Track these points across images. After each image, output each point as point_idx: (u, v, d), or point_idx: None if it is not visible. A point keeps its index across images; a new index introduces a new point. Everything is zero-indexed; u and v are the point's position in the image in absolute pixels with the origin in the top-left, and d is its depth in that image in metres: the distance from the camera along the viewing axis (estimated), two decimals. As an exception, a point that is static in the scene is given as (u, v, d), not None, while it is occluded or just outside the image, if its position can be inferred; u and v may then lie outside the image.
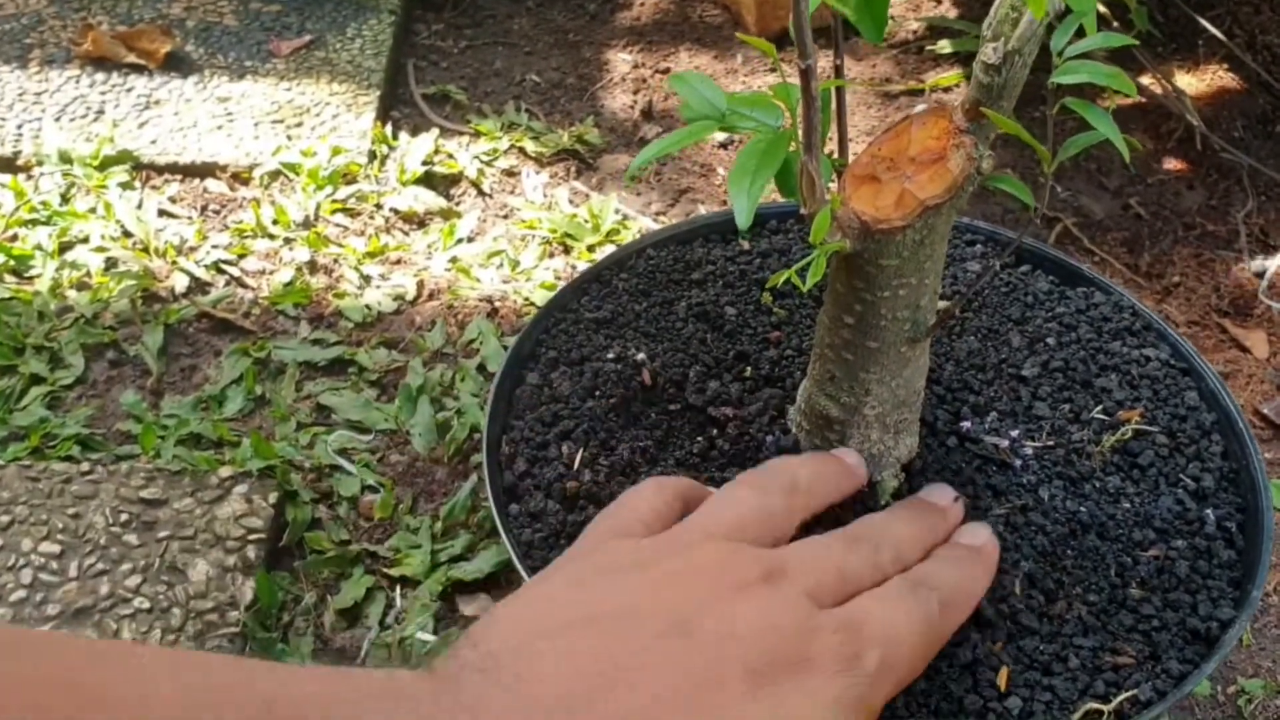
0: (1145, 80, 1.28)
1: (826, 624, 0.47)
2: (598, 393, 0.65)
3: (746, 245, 0.73)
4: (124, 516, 0.85)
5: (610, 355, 0.67)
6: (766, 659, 0.44)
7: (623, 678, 0.42)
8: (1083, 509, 0.59)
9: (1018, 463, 0.61)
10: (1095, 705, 0.52)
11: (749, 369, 0.65)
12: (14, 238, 1.12)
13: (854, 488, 0.57)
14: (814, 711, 0.44)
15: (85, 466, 0.89)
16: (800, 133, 0.48)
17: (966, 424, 0.62)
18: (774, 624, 0.46)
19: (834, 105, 0.54)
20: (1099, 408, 0.64)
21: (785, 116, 0.51)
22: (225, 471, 0.89)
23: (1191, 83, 1.31)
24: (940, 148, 0.50)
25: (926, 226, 0.50)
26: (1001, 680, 0.53)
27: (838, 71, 0.55)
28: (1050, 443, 0.62)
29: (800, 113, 0.48)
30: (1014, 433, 0.62)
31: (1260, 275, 1.08)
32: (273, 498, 0.87)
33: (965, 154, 0.49)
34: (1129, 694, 0.52)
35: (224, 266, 1.11)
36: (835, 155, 0.54)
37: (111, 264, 1.10)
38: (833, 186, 0.52)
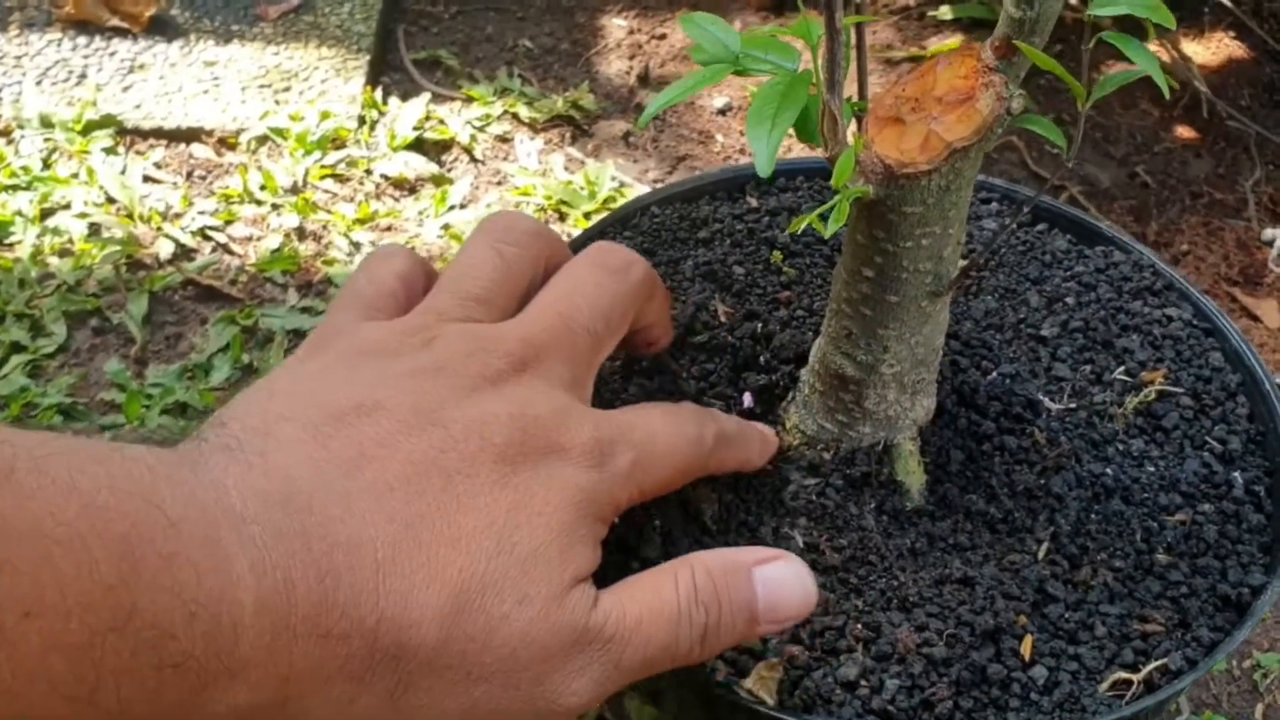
0: (1151, 48, 1.25)
1: (585, 417, 0.46)
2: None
3: (755, 203, 0.71)
4: (107, 486, 0.82)
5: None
6: (517, 446, 0.44)
7: (369, 463, 0.41)
8: (1107, 472, 0.57)
9: (1039, 426, 0.59)
10: (1124, 674, 0.50)
11: (759, 328, 0.62)
12: (-7, 202, 1.09)
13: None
14: (557, 497, 0.44)
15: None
16: (821, 70, 0.46)
17: (985, 385, 0.60)
18: (527, 413, 0.45)
19: (854, 45, 0.52)
20: (1121, 369, 0.62)
21: (803, 58, 0.49)
22: (212, 440, 0.87)
23: (1198, 50, 1.29)
24: (968, 87, 0.47)
25: (953, 171, 0.47)
26: (1025, 649, 0.51)
27: (858, 9, 0.52)
28: (1072, 405, 0.60)
29: (822, 49, 0.46)
30: (1034, 395, 0.60)
31: (1270, 244, 1.06)
32: (261, 467, 0.84)
33: (995, 93, 0.46)
34: (1158, 663, 0.50)
35: (210, 233, 1.08)
36: (854, 98, 0.52)
37: (94, 230, 1.07)
38: (853, 130, 0.49)
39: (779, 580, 0.47)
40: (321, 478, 0.40)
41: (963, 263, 0.53)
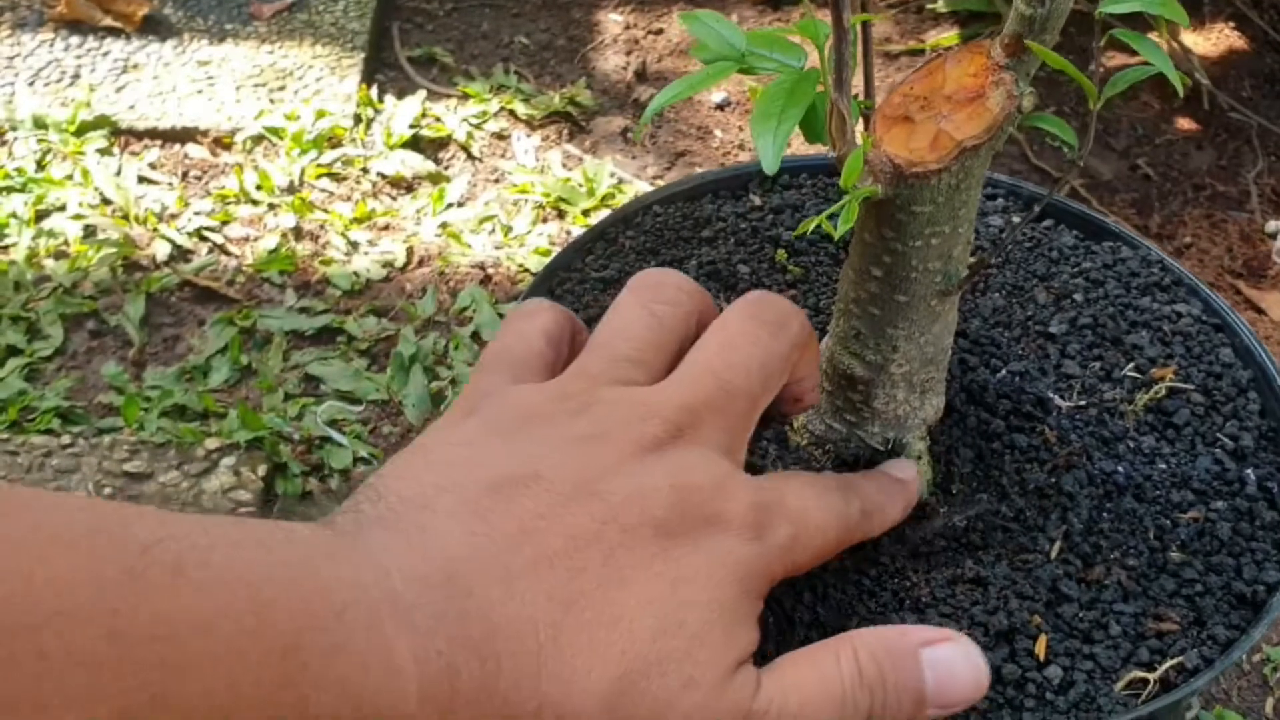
0: (1152, 39, 1.25)
1: (743, 486, 0.44)
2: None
3: (758, 201, 0.70)
4: (107, 490, 0.82)
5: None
6: (677, 518, 0.42)
7: (528, 538, 0.40)
8: (1118, 470, 0.57)
9: (1049, 424, 0.58)
10: (1140, 673, 0.50)
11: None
12: (-12, 205, 1.09)
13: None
14: (719, 572, 0.42)
15: (66, 439, 0.86)
16: (829, 69, 0.45)
17: (994, 384, 0.60)
18: (687, 482, 0.43)
19: (860, 43, 0.51)
20: (1131, 365, 0.61)
21: (809, 56, 0.48)
22: (212, 443, 0.86)
23: (1198, 42, 1.28)
24: (978, 85, 0.47)
25: (963, 170, 0.47)
26: (1040, 649, 0.50)
27: (864, 7, 0.51)
28: (1082, 402, 0.59)
29: (829, 47, 0.45)
30: (1044, 392, 0.59)
31: (1273, 236, 1.06)
32: (261, 470, 0.84)
33: (1005, 91, 0.46)
34: (1174, 661, 0.50)
35: (206, 234, 1.07)
36: (861, 97, 0.51)
37: (90, 232, 1.06)
38: (861, 129, 0.49)
39: (948, 662, 0.45)
40: (481, 556, 0.39)
41: (971, 260, 0.52)
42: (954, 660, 0.45)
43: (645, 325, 0.49)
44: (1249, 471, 0.57)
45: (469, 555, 0.39)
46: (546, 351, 0.49)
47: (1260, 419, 0.60)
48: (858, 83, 0.51)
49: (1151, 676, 0.50)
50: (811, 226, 0.45)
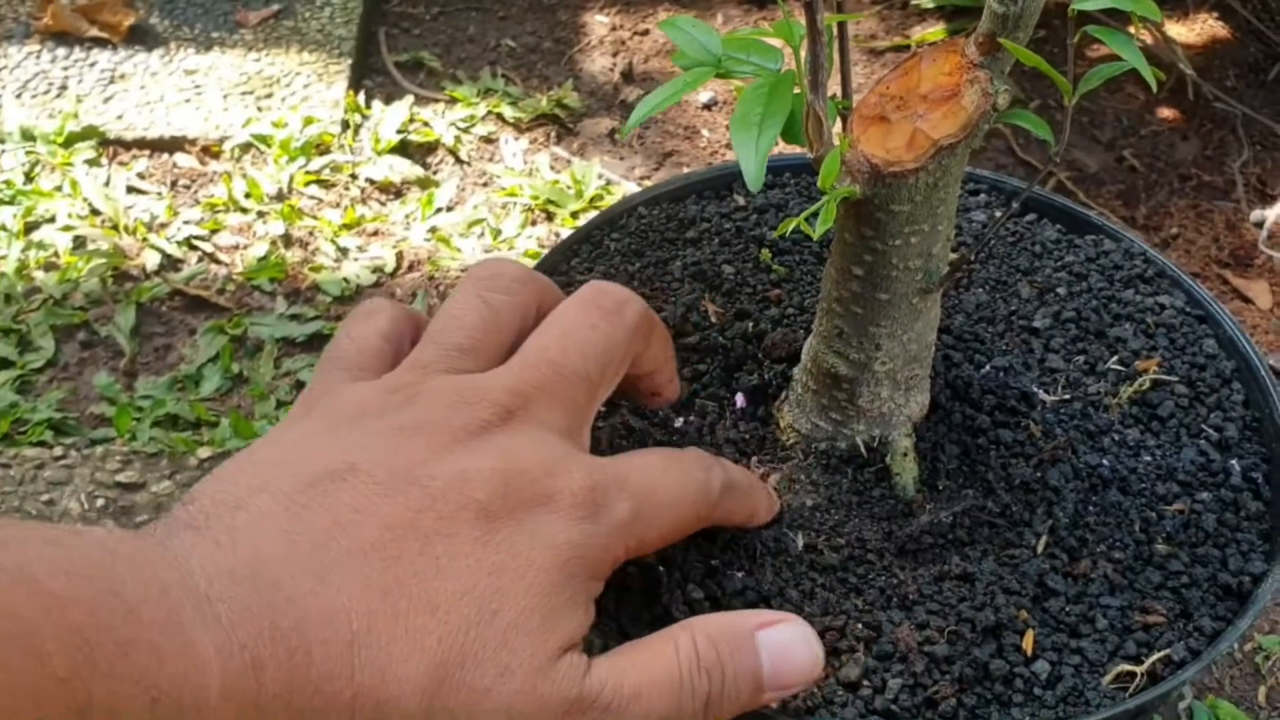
0: (1135, 30, 1.25)
1: (579, 466, 0.44)
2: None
3: (742, 201, 0.70)
4: (100, 501, 0.82)
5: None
6: (499, 501, 0.42)
7: (343, 531, 0.40)
8: (1103, 463, 0.57)
9: (1034, 418, 0.58)
10: (1127, 666, 0.50)
11: (750, 328, 0.62)
12: (-24, 218, 1.08)
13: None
14: (541, 556, 0.42)
15: (58, 451, 0.86)
16: (804, 70, 0.46)
17: (979, 379, 0.60)
18: (512, 465, 0.43)
19: (836, 43, 0.51)
20: (1115, 358, 0.61)
21: (785, 59, 0.48)
22: (204, 452, 0.86)
23: (1182, 32, 1.28)
24: (953, 84, 0.47)
25: (940, 168, 0.47)
26: (1027, 644, 0.51)
27: (839, 7, 0.52)
28: (1066, 396, 0.60)
29: (804, 49, 0.45)
30: (1028, 387, 0.60)
31: (1259, 225, 1.06)
32: (254, 478, 0.84)
33: (980, 89, 0.46)
34: (1161, 654, 0.50)
35: (196, 242, 1.07)
36: (839, 97, 0.52)
37: (80, 243, 1.06)
38: (839, 129, 0.49)
39: (784, 645, 0.45)
40: (293, 550, 0.39)
41: (953, 257, 0.53)
42: (790, 643, 0.45)
43: (479, 314, 0.49)
44: (1233, 462, 0.57)
45: (280, 552, 0.39)
46: (384, 349, 0.49)
47: (1244, 409, 0.60)
48: (835, 83, 0.52)
49: (1139, 669, 0.50)
50: (790, 227, 0.46)
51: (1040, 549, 0.54)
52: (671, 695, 0.43)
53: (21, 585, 0.33)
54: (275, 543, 0.39)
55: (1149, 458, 0.58)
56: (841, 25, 0.51)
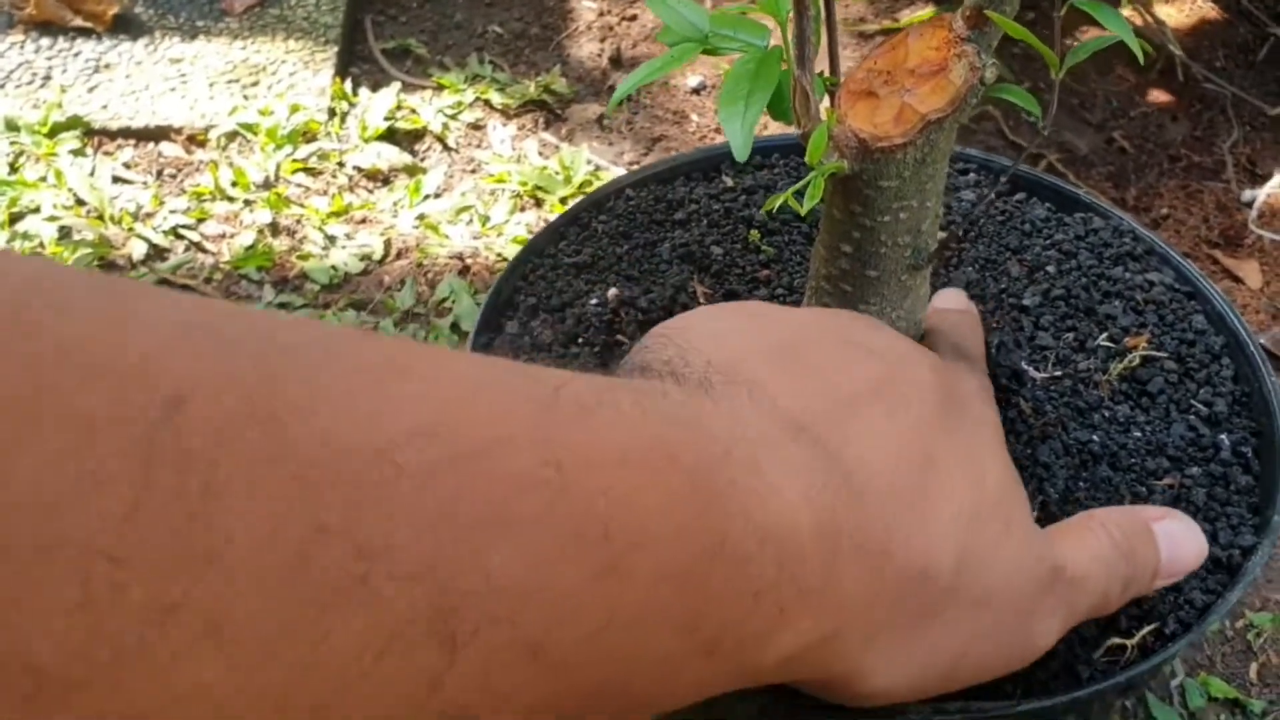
0: (1125, 12, 1.25)
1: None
2: (580, 339, 0.62)
3: (730, 182, 0.70)
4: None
5: (593, 301, 0.63)
6: (947, 384, 0.46)
7: (853, 393, 0.42)
8: (1093, 439, 0.57)
9: (1024, 395, 0.58)
10: (1118, 640, 0.50)
11: (739, 308, 0.62)
12: (-39, 209, 1.08)
13: None
14: (990, 432, 0.47)
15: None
16: (791, 46, 0.45)
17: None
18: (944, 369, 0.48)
19: (823, 18, 0.51)
20: (1104, 335, 0.61)
21: (773, 35, 0.48)
22: (193, 441, 0.86)
23: (1171, 13, 1.28)
24: (940, 59, 0.47)
25: (928, 143, 0.47)
26: (1019, 620, 0.51)
27: (826, -18, 0.51)
28: (1056, 373, 0.60)
29: (790, 24, 0.45)
30: (1019, 365, 0.59)
31: (1249, 205, 1.06)
32: (244, 466, 0.84)
33: (968, 63, 0.46)
34: (1151, 627, 0.50)
35: (182, 231, 1.07)
36: (826, 73, 0.51)
37: (65, 233, 1.06)
38: (826, 105, 0.49)
39: (1178, 535, 0.48)
40: (809, 404, 0.40)
41: (942, 235, 0.52)
42: (1182, 533, 0.49)
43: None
44: (1223, 437, 0.57)
45: (801, 406, 0.40)
46: None
47: (1233, 384, 0.60)
48: (823, 59, 0.51)
49: (1130, 643, 0.50)
50: (778, 203, 0.45)
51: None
52: (1105, 576, 0.46)
53: (642, 429, 0.34)
54: (795, 397, 0.40)
55: (1139, 433, 0.58)
56: (828, 1, 0.50)
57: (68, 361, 0.24)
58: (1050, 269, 0.65)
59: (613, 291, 0.63)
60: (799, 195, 0.45)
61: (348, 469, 0.26)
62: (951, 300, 0.59)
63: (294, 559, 0.25)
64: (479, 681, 0.28)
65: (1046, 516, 0.54)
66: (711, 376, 0.40)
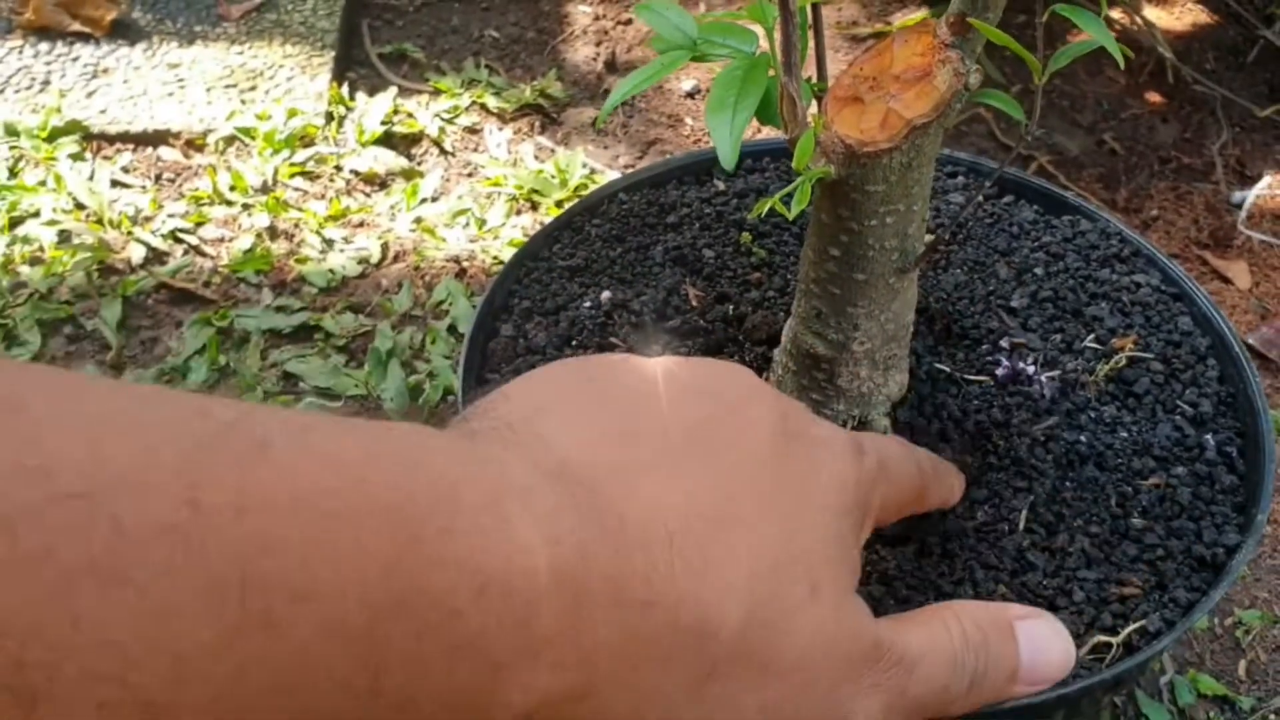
0: (1115, 15, 1.26)
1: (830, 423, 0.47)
2: (574, 342, 0.62)
3: (722, 186, 0.71)
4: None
5: (586, 303, 0.64)
6: (783, 422, 0.42)
7: (642, 437, 0.39)
8: (1080, 439, 0.57)
9: (1009, 396, 0.59)
10: (1103, 638, 0.50)
11: (731, 311, 0.63)
12: (-39, 214, 1.09)
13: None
14: (827, 480, 0.42)
15: (45, 444, 0.86)
16: (778, 52, 0.46)
17: (958, 359, 0.60)
18: (791, 406, 0.44)
19: (810, 25, 0.52)
20: (1091, 336, 0.62)
21: (760, 42, 0.49)
22: (191, 444, 0.86)
23: (1161, 16, 1.29)
24: (925, 64, 0.47)
25: (914, 148, 0.48)
26: (1005, 617, 0.51)
27: (814, -10, 0.52)
28: (1045, 374, 0.60)
29: (777, 31, 0.46)
30: (1006, 365, 0.60)
31: (1239, 206, 1.07)
32: (242, 469, 0.84)
33: (952, 69, 0.47)
34: (1137, 625, 0.51)
35: (181, 235, 1.07)
36: (814, 79, 0.52)
37: (65, 237, 1.06)
38: (814, 111, 0.50)
39: (1042, 638, 0.45)
40: (598, 454, 0.38)
41: (929, 238, 0.53)
42: (1047, 636, 0.46)
43: None
44: (1208, 437, 0.58)
45: (587, 458, 0.37)
46: None
47: (1219, 385, 0.61)
48: (811, 65, 0.52)
49: (1115, 640, 0.51)
50: (765, 208, 0.46)
51: (1022, 524, 0.55)
52: (947, 669, 0.43)
53: (337, 469, 0.31)
54: (579, 449, 0.38)
55: (1125, 433, 0.58)
56: (815, 8, 0.51)
57: None
58: (1038, 271, 0.66)
59: (606, 294, 0.64)
60: (787, 200, 0.46)
61: None
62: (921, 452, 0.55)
63: None
64: None
65: (1033, 517, 0.55)
66: (491, 424, 0.38)
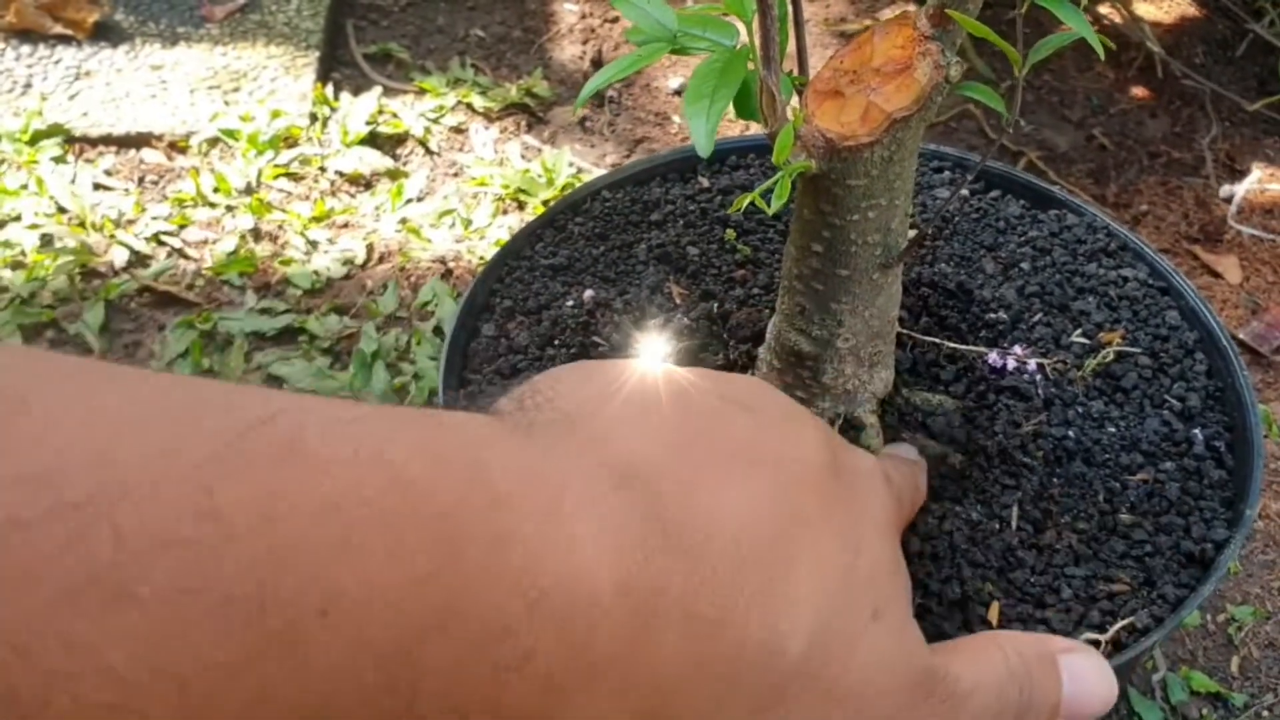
0: (1104, 9, 1.25)
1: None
2: (556, 341, 0.62)
3: (706, 183, 0.70)
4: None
5: (569, 302, 0.64)
6: (832, 453, 0.41)
7: (706, 440, 0.37)
8: (1068, 435, 0.57)
9: (996, 392, 0.59)
10: (1092, 635, 0.50)
11: (715, 308, 0.62)
12: (-58, 218, 1.08)
13: None
14: (876, 508, 0.42)
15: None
16: (757, 46, 0.45)
17: (943, 353, 0.60)
18: (835, 438, 0.44)
19: (790, 18, 0.51)
20: (1078, 331, 0.62)
21: (740, 35, 0.48)
22: (174, 448, 0.86)
23: (1150, 10, 1.29)
24: (905, 57, 0.47)
25: (895, 142, 0.47)
26: (993, 615, 0.51)
27: (794, -17, 0.51)
28: (1032, 368, 0.60)
29: (756, 25, 0.45)
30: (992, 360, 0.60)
31: (1229, 200, 1.07)
32: (225, 472, 0.83)
33: (932, 62, 0.46)
34: (1125, 622, 0.50)
35: (164, 238, 1.06)
36: (795, 73, 0.51)
37: (47, 241, 1.05)
38: (794, 105, 0.49)
39: (1084, 672, 0.45)
40: (657, 457, 0.35)
41: (912, 233, 0.53)
42: (1089, 670, 0.45)
43: None
44: (1196, 431, 0.58)
45: (648, 461, 0.35)
46: None
47: (1207, 379, 0.60)
48: (792, 59, 0.51)
49: (1103, 638, 0.50)
50: (745, 203, 0.45)
51: (1013, 522, 0.54)
52: (996, 700, 0.42)
53: (378, 469, 0.28)
54: (644, 450, 0.35)
55: (1113, 429, 0.58)
56: (796, 1, 0.51)
57: None
58: (1025, 266, 0.65)
59: (589, 293, 0.63)
60: (767, 195, 0.45)
61: None
62: (904, 450, 0.56)
63: None
64: None
65: (1021, 514, 0.54)
66: (546, 418, 0.36)
